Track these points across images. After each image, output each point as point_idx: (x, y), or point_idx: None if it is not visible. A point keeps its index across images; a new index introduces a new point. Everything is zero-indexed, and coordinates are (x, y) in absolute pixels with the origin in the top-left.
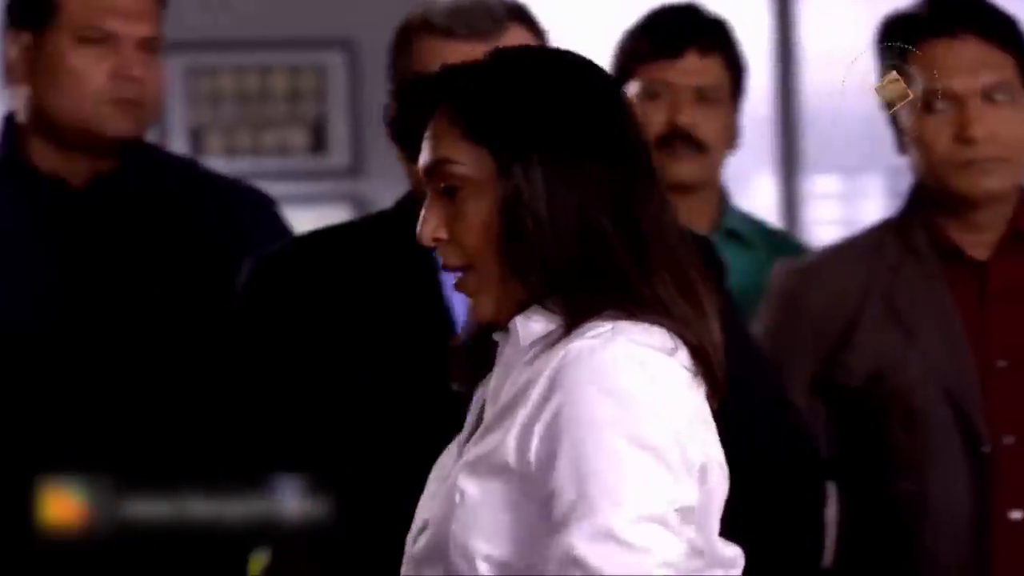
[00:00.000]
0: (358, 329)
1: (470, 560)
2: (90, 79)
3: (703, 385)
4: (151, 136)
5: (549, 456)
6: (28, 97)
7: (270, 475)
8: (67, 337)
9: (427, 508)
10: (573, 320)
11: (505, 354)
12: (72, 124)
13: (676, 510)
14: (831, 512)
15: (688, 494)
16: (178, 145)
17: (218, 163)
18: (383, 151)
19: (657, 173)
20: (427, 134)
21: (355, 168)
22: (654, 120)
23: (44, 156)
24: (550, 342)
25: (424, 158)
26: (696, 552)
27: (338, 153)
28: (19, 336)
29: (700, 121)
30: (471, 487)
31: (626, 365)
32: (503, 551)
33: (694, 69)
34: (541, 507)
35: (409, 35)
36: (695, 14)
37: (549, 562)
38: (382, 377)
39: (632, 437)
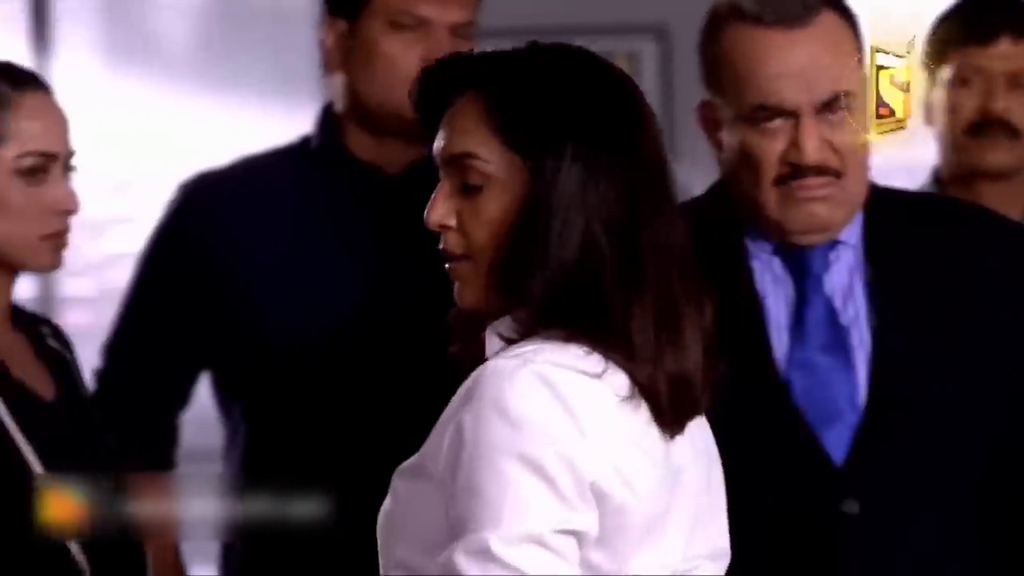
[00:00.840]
0: None
1: (387, 559)
2: (402, 64)
3: (642, 411)
4: None
5: (450, 469)
6: (343, 84)
7: None
8: (381, 324)
9: None
10: (519, 337)
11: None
12: (384, 110)
13: (561, 532)
14: None
15: (580, 518)
16: None
17: None
18: (695, 138)
19: (672, 186)
20: (450, 120)
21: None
22: (966, 106)
23: (361, 144)
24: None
25: (446, 146)
26: None
27: None
28: (335, 320)
29: (1014, 107)
30: (401, 488)
31: (531, 386)
32: (414, 556)
33: (1008, 54)
34: (444, 516)
35: (718, 22)
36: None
37: (435, 570)
38: None
39: (521, 458)
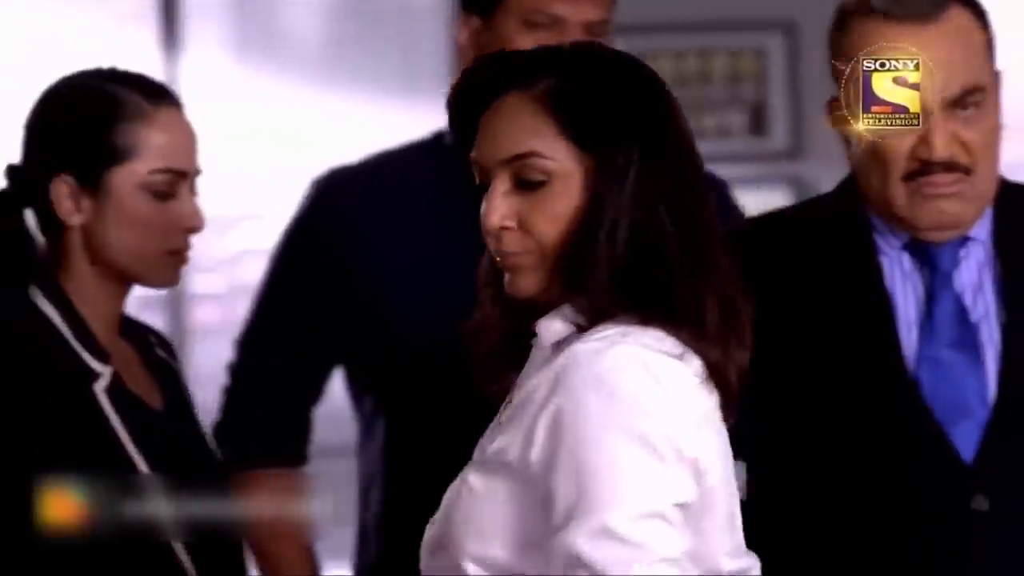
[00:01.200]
0: (799, 316)
1: (459, 555)
2: None
3: (715, 395)
4: None
5: (550, 457)
6: None
7: None
8: None
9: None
10: (588, 323)
11: (534, 354)
12: None
13: (675, 505)
14: None
15: (685, 490)
16: None
17: None
18: (823, 133)
19: (703, 182)
20: (499, 121)
21: (795, 150)
22: None
23: None
24: (567, 344)
25: (504, 146)
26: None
27: (778, 136)
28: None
29: None
30: (477, 483)
31: (627, 366)
32: (493, 551)
33: None
34: (539, 509)
35: (847, 17)
36: None
37: (553, 561)
38: (827, 365)
39: (629, 434)
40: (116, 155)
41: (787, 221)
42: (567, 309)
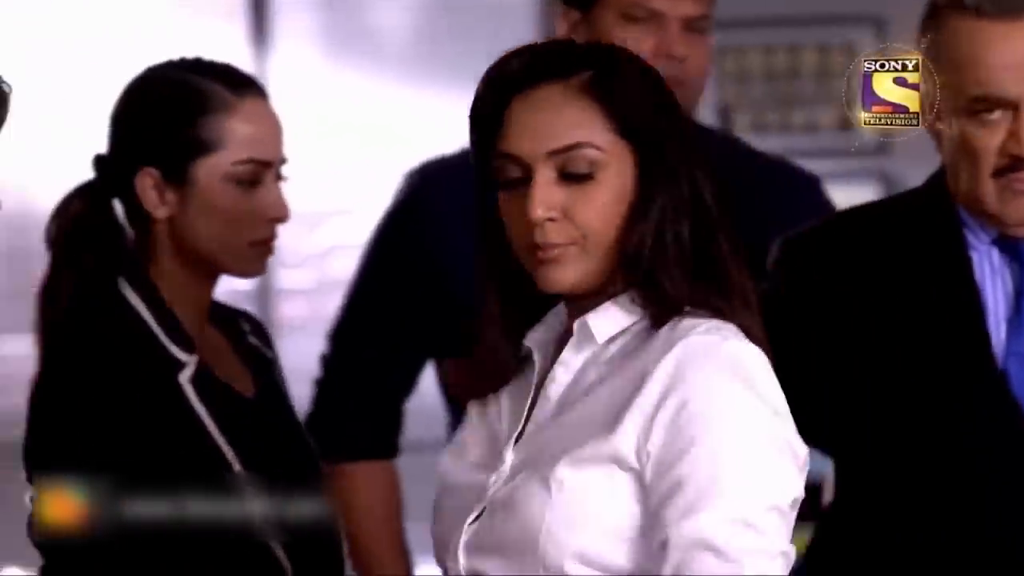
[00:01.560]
0: (887, 310)
1: (557, 554)
2: None
3: None
4: None
5: (672, 447)
6: None
7: None
8: None
9: (471, 497)
10: (660, 315)
11: (577, 347)
12: None
13: (792, 500)
14: None
15: (799, 486)
16: (706, 123)
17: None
18: (912, 129)
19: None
20: (544, 113)
21: (884, 146)
22: None
23: None
24: (637, 335)
25: (547, 140)
26: None
27: (867, 132)
28: None
29: None
30: (570, 478)
31: (752, 360)
32: (600, 545)
33: None
34: (644, 501)
35: (937, 13)
36: None
37: (672, 548)
38: (915, 359)
39: (764, 426)
40: (200, 147)
41: (876, 216)
42: (624, 300)
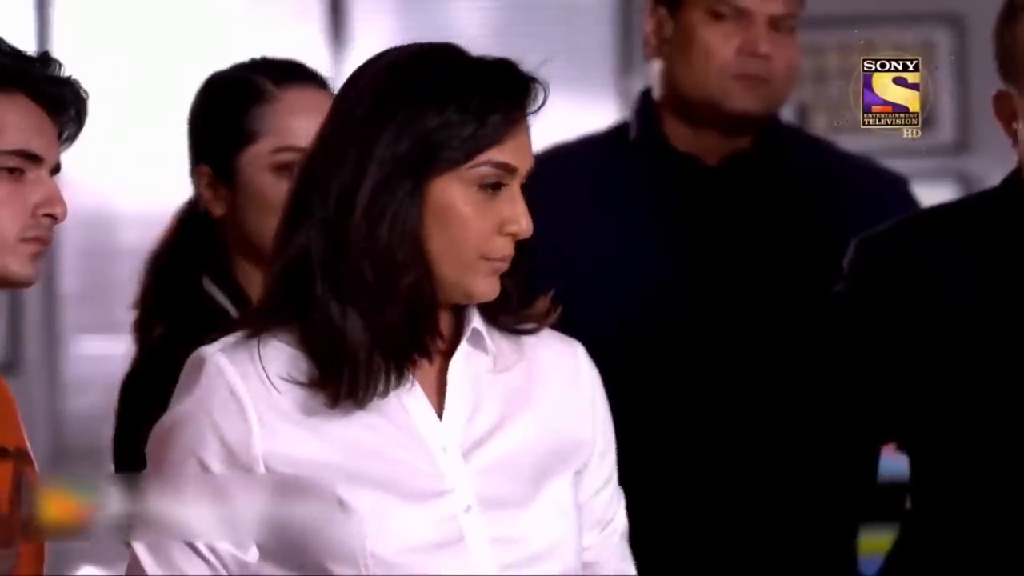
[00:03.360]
0: (964, 309)
1: (572, 556)
2: (717, 54)
3: None
4: None
5: (605, 424)
6: (661, 72)
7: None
8: (694, 316)
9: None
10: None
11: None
12: (698, 99)
13: None
14: None
15: None
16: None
17: None
18: (990, 128)
19: None
20: (528, 136)
21: (961, 145)
22: None
23: (678, 133)
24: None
25: (531, 159)
26: None
27: (944, 130)
28: (649, 309)
29: None
30: (563, 481)
31: None
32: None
33: None
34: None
35: (1014, 11)
36: None
37: (619, 508)
38: (993, 358)
39: None
40: (241, 139)
41: (951, 216)
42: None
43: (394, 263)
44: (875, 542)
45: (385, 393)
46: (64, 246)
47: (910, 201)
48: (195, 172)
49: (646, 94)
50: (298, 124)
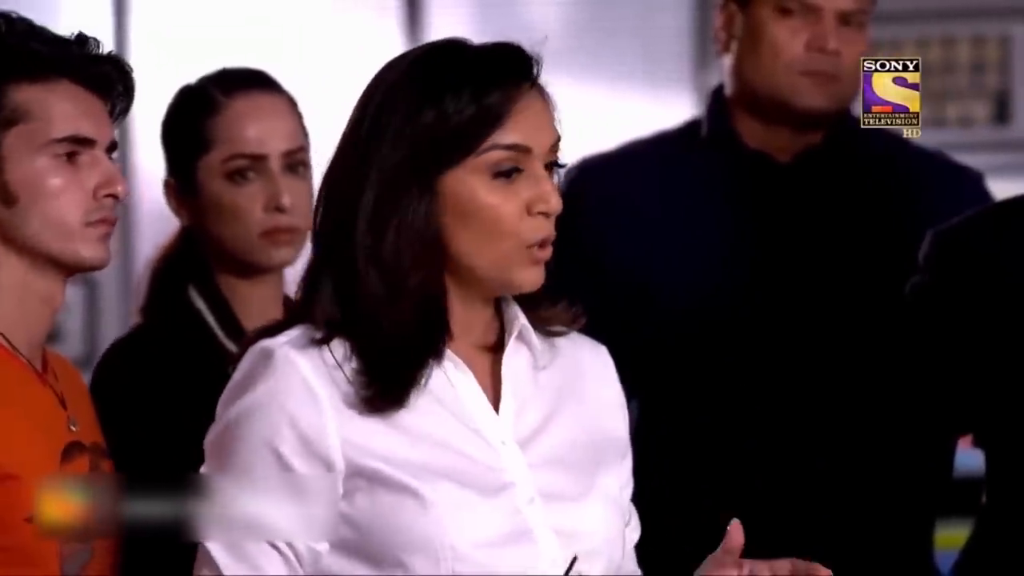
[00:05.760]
0: None
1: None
2: (785, 50)
3: None
4: None
5: (628, 439)
6: (731, 68)
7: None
8: (765, 313)
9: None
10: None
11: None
12: (767, 95)
13: None
14: None
15: None
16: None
17: None
18: None
19: None
20: (546, 112)
21: None
22: None
23: (749, 129)
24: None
25: (551, 133)
26: None
27: (1021, 124)
28: (723, 307)
29: None
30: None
31: None
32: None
33: None
34: None
35: None
36: None
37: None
38: None
39: None
40: (196, 149)
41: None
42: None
43: (403, 269)
44: (951, 537)
45: (422, 387)
46: (142, 239)
47: (984, 196)
48: (164, 183)
49: (718, 90)
50: (248, 132)
